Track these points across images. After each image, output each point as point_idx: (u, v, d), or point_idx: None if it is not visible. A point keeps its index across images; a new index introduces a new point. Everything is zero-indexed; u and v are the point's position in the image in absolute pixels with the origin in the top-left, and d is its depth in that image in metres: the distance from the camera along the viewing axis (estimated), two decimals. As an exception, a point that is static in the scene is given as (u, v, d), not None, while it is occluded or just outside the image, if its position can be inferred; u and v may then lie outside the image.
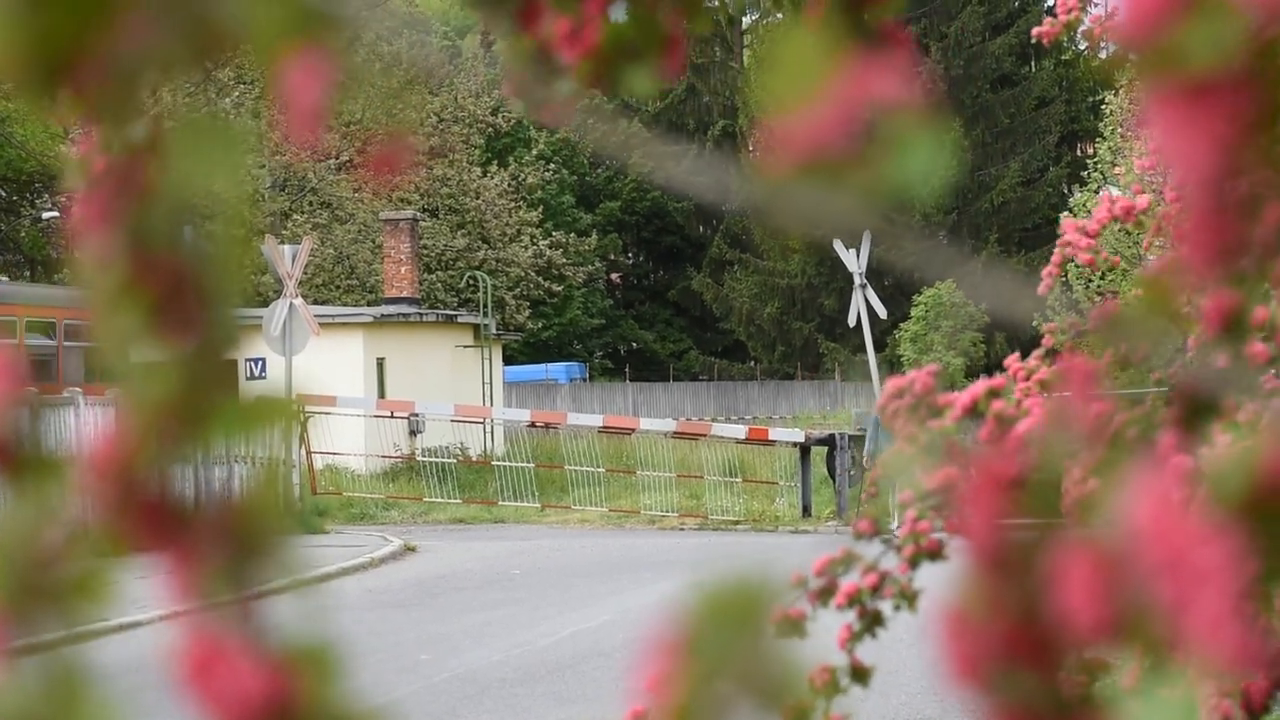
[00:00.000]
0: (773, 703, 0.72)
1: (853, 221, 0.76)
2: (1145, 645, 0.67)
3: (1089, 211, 2.73)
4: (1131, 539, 0.66)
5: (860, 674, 1.83)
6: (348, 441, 31.76)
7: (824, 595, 1.84)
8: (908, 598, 1.84)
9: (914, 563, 1.84)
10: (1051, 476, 0.74)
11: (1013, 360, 2.29)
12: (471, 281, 48.33)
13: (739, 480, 30.63)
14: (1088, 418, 0.76)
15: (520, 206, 55.03)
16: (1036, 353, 2.31)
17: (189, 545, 0.73)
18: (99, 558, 0.73)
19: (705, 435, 31.84)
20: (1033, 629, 0.71)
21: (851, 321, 31.60)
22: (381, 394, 34.87)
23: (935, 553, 1.86)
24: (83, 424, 22.66)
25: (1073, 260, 2.67)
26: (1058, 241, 2.64)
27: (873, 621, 1.81)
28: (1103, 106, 42.88)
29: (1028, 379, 2.22)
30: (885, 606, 1.83)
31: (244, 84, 43.44)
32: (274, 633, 0.74)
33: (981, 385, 1.83)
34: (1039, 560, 0.71)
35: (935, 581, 1.88)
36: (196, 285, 0.73)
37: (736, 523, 29.01)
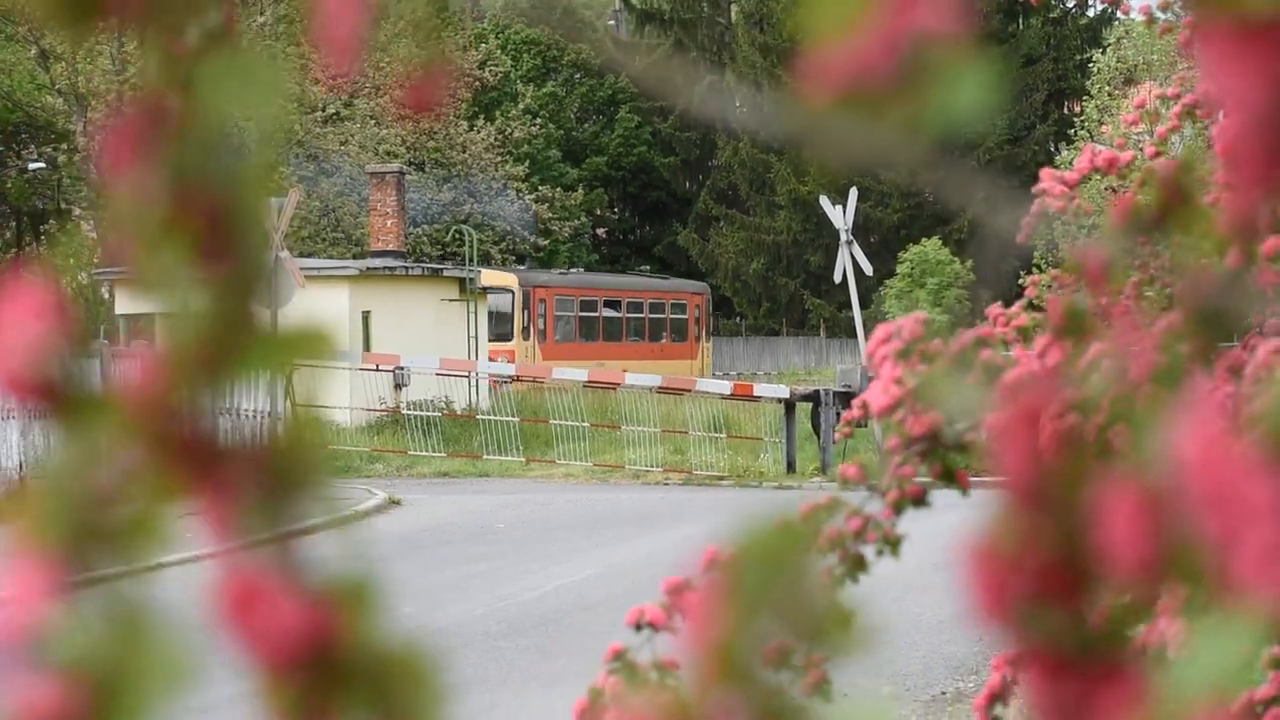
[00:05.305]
0: (816, 640, 0.72)
1: (892, 154, 0.75)
2: (1190, 584, 0.66)
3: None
4: (1178, 474, 0.65)
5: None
6: (333, 394, 31.75)
7: (808, 540, 1.84)
8: (890, 543, 1.86)
9: (898, 508, 1.86)
10: (1093, 410, 0.72)
11: (995, 309, 2.31)
12: (458, 235, 48.24)
13: (724, 436, 30.64)
14: (1134, 353, 0.75)
15: (507, 161, 54.89)
16: (1019, 303, 2.33)
17: (226, 481, 0.72)
18: (156, 497, 0.71)
19: (690, 390, 31.86)
20: (1067, 565, 0.69)
21: (837, 278, 31.50)
22: (367, 347, 34.83)
23: (919, 499, 1.87)
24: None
25: (1053, 213, 2.68)
26: (1033, 188, 2.64)
27: (855, 565, 1.82)
28: (1090, 65, 42.81)
29: (1008, 325, 2.23)
30: (868, 551, 1.84)
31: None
32: (312, 568, 0.73)
33: (969, 335, 1.85)
34: (1076, 495, 0.69)
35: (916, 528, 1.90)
36: (230, 218, 0.72)
37: (721, 478, 29.03)
